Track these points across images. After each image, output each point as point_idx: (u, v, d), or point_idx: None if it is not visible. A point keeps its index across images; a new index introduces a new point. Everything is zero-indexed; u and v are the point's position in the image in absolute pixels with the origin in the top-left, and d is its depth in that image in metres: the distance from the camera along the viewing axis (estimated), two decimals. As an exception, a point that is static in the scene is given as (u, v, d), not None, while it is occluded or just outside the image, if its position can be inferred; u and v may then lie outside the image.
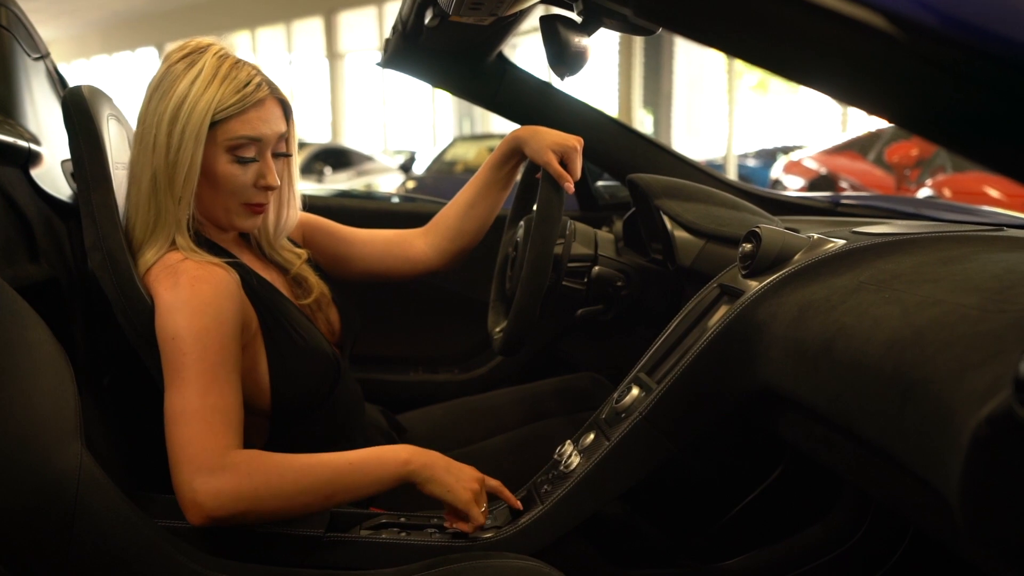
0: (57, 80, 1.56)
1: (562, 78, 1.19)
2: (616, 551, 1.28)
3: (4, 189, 1.26)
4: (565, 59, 1.14)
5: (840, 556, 1.26)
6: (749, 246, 1.12)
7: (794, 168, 7.54)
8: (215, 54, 1.17)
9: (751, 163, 10.82)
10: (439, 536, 1.13)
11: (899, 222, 1.23)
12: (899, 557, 1.25)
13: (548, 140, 1.35)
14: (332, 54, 17.99)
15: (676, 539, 1.38)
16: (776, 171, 7.94)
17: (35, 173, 1.36)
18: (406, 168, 11.36)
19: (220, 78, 1.15)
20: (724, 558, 1.30)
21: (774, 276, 1.05)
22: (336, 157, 10.68)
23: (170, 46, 1.23)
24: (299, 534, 1.09)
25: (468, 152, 9.49)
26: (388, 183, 10.78)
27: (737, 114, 10.13)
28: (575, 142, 1.35)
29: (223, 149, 1.17)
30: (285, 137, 1.24)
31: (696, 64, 14.87)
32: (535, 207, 1.32)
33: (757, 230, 1.11)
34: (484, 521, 1.12)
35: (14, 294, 1.02)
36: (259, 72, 1.20)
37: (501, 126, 14.74)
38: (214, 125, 1.16)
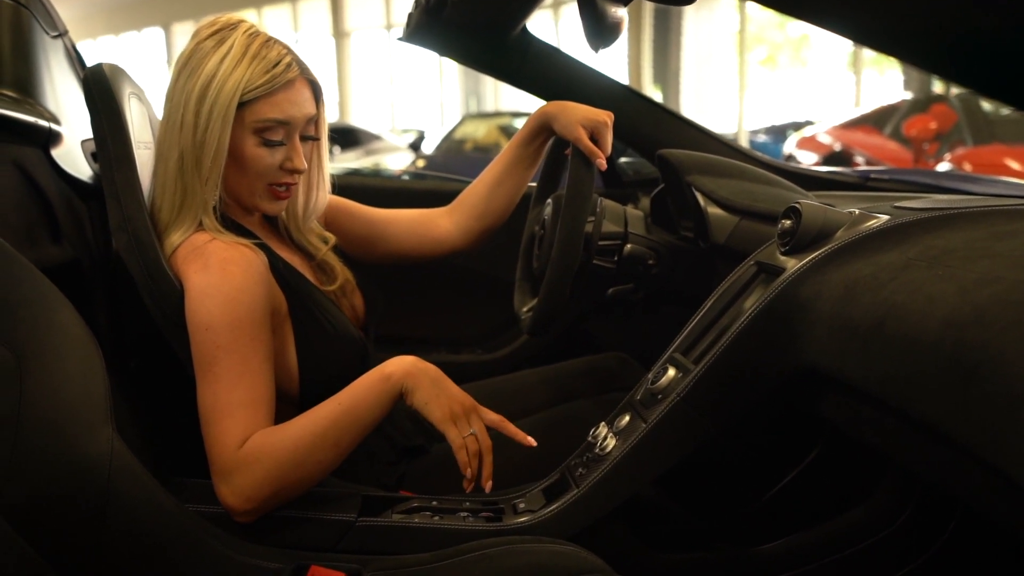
0: (75, 58, 1.54)
1: (596, 51, 1.16)
2: (651, 534, 1.26)
3: (25, 169, 1.24)
4: (601, 31, 1.11)
5: (883, 540, 1.24)
6: (789, 222, 1.09)
7: (807, 143, 7.48)
8: (245, 32, 1.14)
9: (761, 139, 10.75)
10: (472, 520, 1.12)
11: (940, 196, 1.20)
12: (944, 541, 1.23)
13: (578, 115, 1.31)
14: (338, 32, 17.90)
15: (709, 522, 1.36)
16: (789, 146, 7.88)
17: (55, 153, 1.34)
18: (416, 147, 11.32)
19: (250, 57, 1.13)
20: (762, 541, 1.28)
21: (816, 253, 1.02)
22: (344, 136, 10.64)
23: (179, 25, 1.20)
24: (331, 518, 1.07)
25: (478, 130, 9.45)
26: (397, 162, 10.75)
27: (747, 90, 10.05)
28: (606, 117, 1.31)
29: (250, 131, 1.15)
30: (315, 120, 1.21)
31: (704, 40, 14.74)
32: (566, 184, 1.29)
33: (797, 206, 1.08)
34: (461, 443, 1.08)
35: (41, 276, 1.00)
36: (290, 52, 1.17)
37: (509, 104, 14.67)
38: (242, 106, 1.13)
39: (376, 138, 11.21)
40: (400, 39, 1.71)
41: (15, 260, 0.98)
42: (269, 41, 1.15)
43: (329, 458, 1.07)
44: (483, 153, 8.64)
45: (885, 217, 1.02)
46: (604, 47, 1.16)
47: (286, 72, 1.14)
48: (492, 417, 1.12)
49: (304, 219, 1.31)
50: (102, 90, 1.17)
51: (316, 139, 1.23)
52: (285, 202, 1.23)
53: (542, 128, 1.39)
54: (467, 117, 10.39)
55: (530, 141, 1.42)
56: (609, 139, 1.31)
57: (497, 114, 10.85)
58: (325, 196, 1.32)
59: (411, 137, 12.40)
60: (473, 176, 1.53)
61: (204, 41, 1.14)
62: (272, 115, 1.14)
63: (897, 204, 1.08)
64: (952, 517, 1.23)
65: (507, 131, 9.44)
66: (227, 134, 1.13)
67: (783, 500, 1.37)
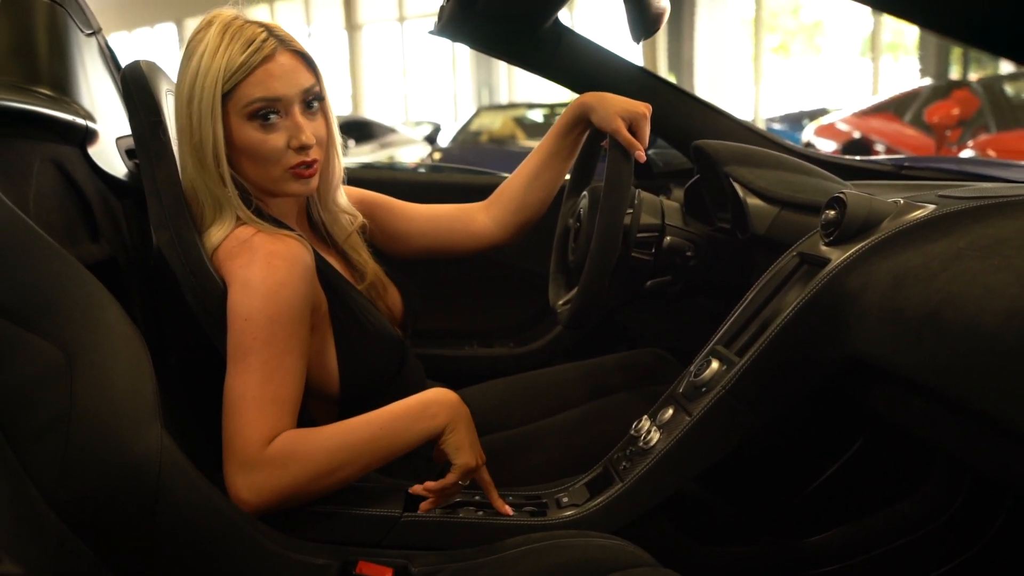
0: (109, 56, 1.54)
1: (637, 41, 1.15)
2: (693, 528, 1.26)
3: (64, 168, 1.25)
4: (645, 21, 1.10)
5: (931, 533, 1.23)
6: (833, 213, 1.08)
7: (826, 131, 7.41)
8: (222, 22, 1.13)
9: (777, 127, 10.66)
10: (517, 515, 1.12)
11: (985, 185, 1.18)
12: (994, 534, 1.21)
13: (616, 107, 1.30)
14: (351, 26, 17.88)
15: (751, 516, 1.36)
16: (807, 135, 7.81)
17: (92, 151, 1.34)
18: (431, 139, 11.30)
19: (224, 45, 1.11)
20: (807, 535, 1.27)
21: (862, 244, 1.01)
22: (358, 129, 10.62)
23: (191, 21, 1.21)
24: (377, 514, 1.07)
25: (493, 122, 9.41)
26: (411, 155, 10.73)
27: (762, 78, 9.98)
28: (644, 108, 1.30)
29: (243, 117, 1.12)
30: (313, 91, 1.16)
31: (718, 27, 14.65)
32: (604, 177, 1.28)
33: (842, 196, 1.07)
34: (455, 489, 1.10)
35: (89, 275, 1.00)
36: (266, 28, 1.13)
37: (523, 95, 14.63)
38: (228, 95, 1.11)
39: (391, 131, 11.19)
40: (431, 32, 1.70)
41: (64, 259, 0.98)
42: (244, 24, 1.13)
43: (352, 476, 1.06)
44: (498, 145, 8.61)
45: (931, 207, 1.00)
46: (646, 38, 1.15)
47: (263, 47, 1.11)
48: (487, 478, 1.13)
49: (327, 194, 1.28)
50: (140, 87, 1.17)
51: (320, 110, 1.18)
52: (313, 180, 1.19)
53: (579, 119, 1.38)
54: (482, 109, 10.35)
55: (567, 132, 1.41)
56: (647, 131, 1.30)
57: (512, 105, 10.81)
58: (340, 170, 1.29)
59: (424, 129, 12.37)
60: (490, 167, 1.52)
61: (191, 43, 1.14)
62: (256, 94, 1.11)
63: (942, 193, 1.07)
64: (1002, 509, 1.21)
65: (522, 122, 9.41)
66: (219, 128, 1.11)
67: (827, 493, 1.36)
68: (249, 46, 1.11)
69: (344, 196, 1.33)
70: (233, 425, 1.03)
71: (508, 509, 1.12)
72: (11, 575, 0.49)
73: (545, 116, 9.59)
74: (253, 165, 1.16)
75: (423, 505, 1.09)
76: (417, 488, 1.09)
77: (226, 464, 1.03)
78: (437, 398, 1.10)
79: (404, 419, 1.08)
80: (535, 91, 14.49)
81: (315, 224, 1.31)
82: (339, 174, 1.29)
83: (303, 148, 1.15)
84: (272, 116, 1.13)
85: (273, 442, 1.03)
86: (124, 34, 23.58)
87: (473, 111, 10.25)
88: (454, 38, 1.68)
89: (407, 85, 18.15)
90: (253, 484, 1.01)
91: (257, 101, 1.12)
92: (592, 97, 1.35)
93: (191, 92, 1.11)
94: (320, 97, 1.18)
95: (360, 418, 1.08)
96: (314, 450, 1.04)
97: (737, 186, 1.34)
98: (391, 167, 3.35)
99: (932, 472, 1.26)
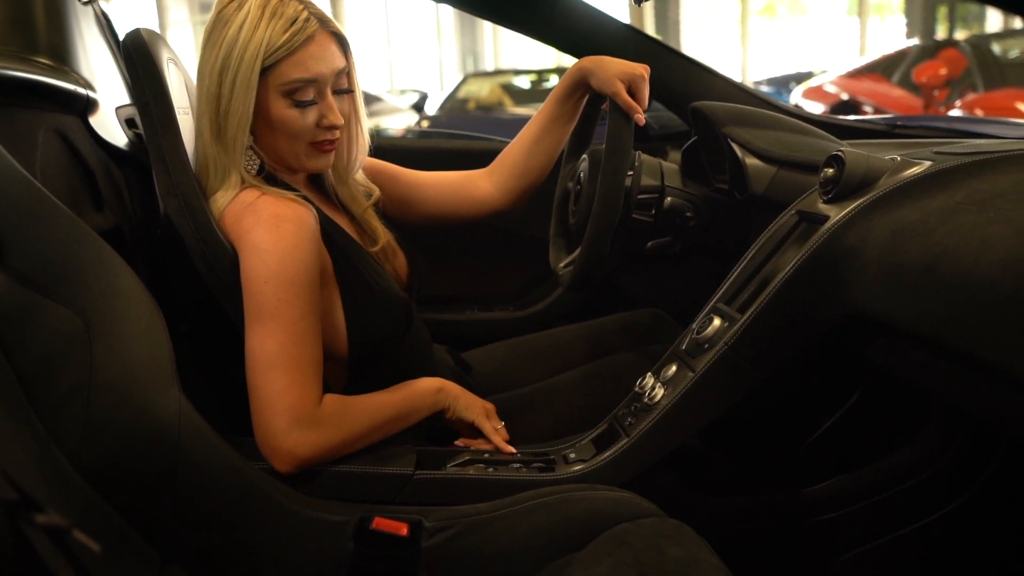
0: (105, 24, 1.53)
1: (639, 3, 1.16)
2: (698, 481, 1.29)
3: (67, 138, 1.25)
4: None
5: (928, 479, 1.27)
6: (831, 171, 1.10)
7: (814, 94, 7.40)
8: None
9: (765, 90, 10.63)
10: (525, 471, 1.14)
11: (979, 141, 1.20)
12: (987, 480, 1.25)
13: (615, 69, 1.31)
14: (334, -7, 17.66)
15: (753, 468, 1.39)
16: (795, 97, 7.80)
17: (93, 121, 1.35)
18: (419, 108, 11.21)
19: (267, 19, 1.11)
20: (807, 484, 1.30)
21: (860, 200, 1.03)
22: (345, 99, 10.50)
23: None
24: (391, 472, 1.10)
25: (481, 89, 9.35)
26: (398, 124, 10.65)
27: (748, 40, 9.94)
28: (643, 70, 1.31)
29: (279, 94, 1.14)
30: (345, 72, 1.20)
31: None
32: (605, 139, 1.29)
33: (840, 154, 1.09)
34: (492, 429, 1.23)
35: (103, 242, 1.01)
36: (307, 7, 1.15)
37: (509, 62, 14.52)
38: (266, 70, 1.13)
39: (376, 99, 11.09)
40: None
41: (80, 227, 0.99)
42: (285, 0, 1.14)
43: (373, 441, 1.14)
44: (486, 112, 8.56)
45: (928, 163, 1.02)
46: (647, -1, 1.15)
47: (305, 27, 1.13)
48: (488, 427, 1.24)
49: (348, 171, 1.31)
50: (142, 56, 1.17)
51: (350, 91, 1.22)
52: (331, 155, 1.23)
53: (579, 83, 1.39)
54: (469, 76, 10.28)
55: (567, 97, 1.42)
56: (647, 92, 1.31)
57: (499, 72, 10.74)
58: (365, 147, 1.32)
59: (411, 98, 12.26)
60: (479, 135, 1.53)
61: (224, 9, 1.14)
62: (297, 75, 1.13)
63: (937, 150, 1.09)
64: (995, 457, 1.25)
65: (509, 89, 9.35)
66: (251, 101, 1.13)
67: (825, 444, 1.39)
68: (292, 24, 1.12)
69: (361, 174, 1.35)
70: (278, 384, 1.05)
71: (511, 448, 1.20)
72: (56, 526, 0.51)
73: (532, 82, 9.54)
74: (278, 139, 1.18)
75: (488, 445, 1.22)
76: (475, 442, 1.23)
77: (273, 420, 1.05)
78: (432, 383, 1.22)
79: (419, 395, 1.20)
80: (521, 58, 14.38)
81: (323, 186, 1.33)
82: (364, 151, 1.32)
83: (332, 128, 1.18)
84: (308, 96, 1.15)
85: (324, 401, 1.09)
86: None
87: (460, 78, 10.17)
88: (452, 4, 1.68)
89: (392, 54, 17.98)
90: (308, 440, 1.05)
91: (297, 82, 1.14)
92: (590, 61, 1.36)
93: (226, 62, 1.12)
94: (351, 80, 1.21)
95: (382, 395, 1.18)
96: (355, 414, 1.11)
97: (735, 146, 1.36)
98: (378, 135, 3.34)
99: (928, 422, 1.30)
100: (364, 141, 1.31)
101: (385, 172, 1.44)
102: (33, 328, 0.93)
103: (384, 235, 1.33)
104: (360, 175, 1.35)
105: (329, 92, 1.18)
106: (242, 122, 1.14)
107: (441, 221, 1.49)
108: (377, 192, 1.36)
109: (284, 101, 1.15)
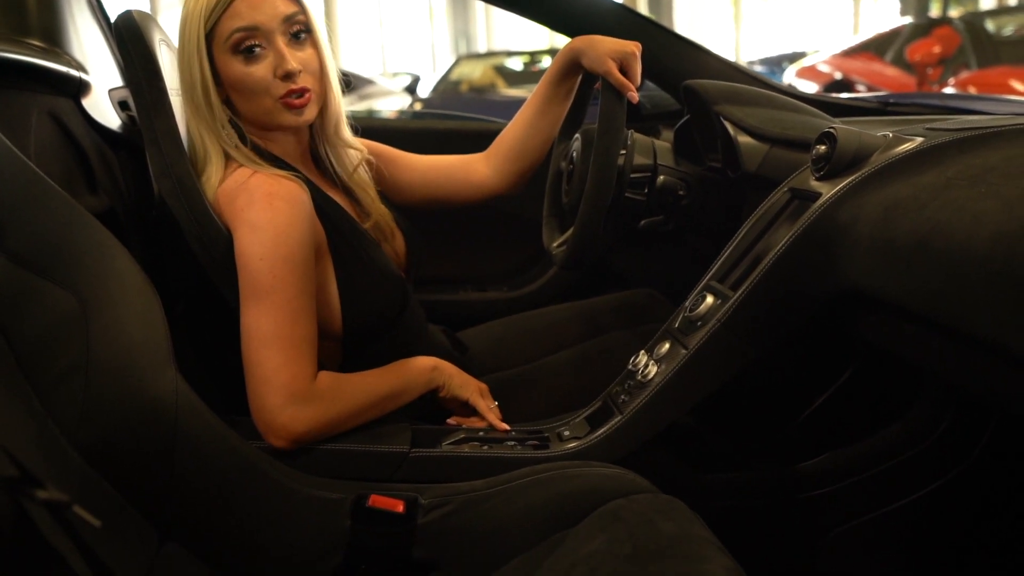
0: (97, 6, 1.53)
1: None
2: (691, 458, 1.30)
3: (60, 120, 1.25)
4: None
5: (920, 453, 1.28)
6: (823, 148, 1.10)
7: (807, 73, 7.39)
8: None
9: (758, 70, 10.61)
10: (520, 448, 1.15)
11: (970, 117, 1.21)
12: (978, 454, 1.26)
13: (606, 48, 1.31)
14: (325, -25, 17.53)
15: (745, 444, 1.40)
16: (788, 76, 7.78)
17: (86, 103, 1.34)
18: (411, 90, 11.16)
19: None
20: (800, 460, 1.31)
21: (853, 177, 1.03)
22: (337, 82, 10.45)
23: None
24: (386, 451, 1.11)
25: (474, 71, 9.31)
26: (391, 106, 10.61)
27: (741, 19, 9.91)
28: (634, 48, 1.31)
29: (228, 52, 1.15)
30: (295, 18, 1.16)
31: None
32: (598, 118, 1.30)
33: (832, 131, 1.09)
34: (486, 407, 1.25)
35: (98, 224, 1.01)
36: None
37: (501, 44, 14.45)
38: (211, 34, 1.14)
39: (369, 82, 11.03)
40: None
41: (75, 209, 1.00)
42: None
43: (369, 419, 1.15)
44: (479, 94, 8.54)
45: (920, 139, 1.03)
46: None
47: None
48: (482, 405, 1.26)
49: (328, 125, 1.28)
50: (135, 37, 1.17)
51: (308, 33, 1.18)
52: (306, 110, 1.19)
53: (571, 64, 1.39)
54: (462, 58, 10.23)
55: (561, 79, 1.42)
56: (639, 70, 1.31)
57: (492, 54, 10.69)
58: (340, 98, 1.29)
59: (403, 80, 12.19)
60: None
61: None
62: (235, 25, 1.13)
63: (929, 127, 1.09)
64: (985, 431, 1.26)
65: (502, 71, 9.32)
66: (205, 66, 1.14)
67: (818, 420, 1.40)
68: None
69: (348, 131, 1.33)
70: (273, 361, 1.06)
71: (505, 426, 1.22)
72: (57, 501, 0.52)
73: (525, 64, 9.50)
74: (243, 100, 1.18)
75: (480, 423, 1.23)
76: (469, 420, 1.24)
77: (268, 397, 1.05)
78: (426, 362, 1.23)
79: (413, 373, 1.21)
80: (513, 39, 14.32)
81: (321, 162, 1.32)
82: (339, 105, 1.29)
83: (288, 76, 1.15)
84: (256, 48, 1.15)
85: (318, 378, 1.10)
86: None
87: (452, 60, 10.13)
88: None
89: (384, 36, 17.87)
90: (304, 416, 1.06)
91: (236, 32, 1.13)
92: (582, 41, 1.35)
93: (180, 38, 1.15)
94: (307, 27, 1.19)
95: (377, 373, 1.18)
96: (350, 390, 1.13)
97: (728, 124, 1.36)
98: (371, 116, 3.33)
99: (919, 398, 1.31)
100: (337, 95, 1.27)
101: (384, 155, 1.43)
102: (30, 308, 0.94)
103: (379, 210, 1.33)
104: (347, 134, 1.32)
105: (280, 40, 1.15)
106: (205, 88, 1.15)
107: (439, 204, 1.50)
108: (365, 151, 1.35)
109: (236, 59, 1.15)
